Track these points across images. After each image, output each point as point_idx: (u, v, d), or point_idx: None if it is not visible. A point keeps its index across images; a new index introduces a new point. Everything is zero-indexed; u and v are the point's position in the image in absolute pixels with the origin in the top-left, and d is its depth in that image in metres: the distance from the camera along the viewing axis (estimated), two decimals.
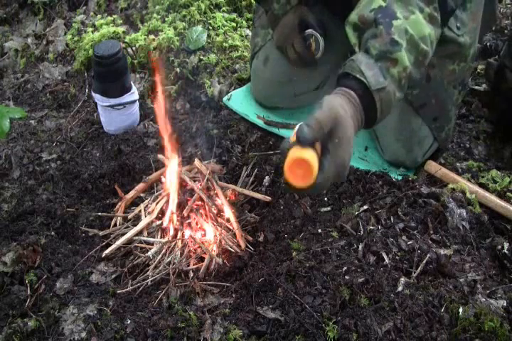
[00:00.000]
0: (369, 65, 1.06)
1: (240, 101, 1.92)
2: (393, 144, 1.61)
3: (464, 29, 1.45)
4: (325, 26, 1.60)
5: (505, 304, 1.12)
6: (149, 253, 1.44)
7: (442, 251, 1.23)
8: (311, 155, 0.91)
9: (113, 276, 1.42)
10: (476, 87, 1.97)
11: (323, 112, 0.94)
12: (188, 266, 1.41)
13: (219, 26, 2.18)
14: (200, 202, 1.54)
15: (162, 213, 1.54)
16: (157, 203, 1.57)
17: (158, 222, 1.51)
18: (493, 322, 1.06)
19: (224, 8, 2.26)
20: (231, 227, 1.50)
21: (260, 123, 1.83)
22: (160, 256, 1.43)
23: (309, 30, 1.56)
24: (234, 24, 2.21)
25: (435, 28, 1.15)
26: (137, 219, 1.57)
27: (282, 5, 1.57)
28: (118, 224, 1.58)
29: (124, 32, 2.23)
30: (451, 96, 1.55)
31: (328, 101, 0.98)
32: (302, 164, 0.91)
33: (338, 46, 1.61)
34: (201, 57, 2.08)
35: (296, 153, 0.92)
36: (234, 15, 2.25)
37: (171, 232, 1.48)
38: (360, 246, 1.25)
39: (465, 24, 1.45)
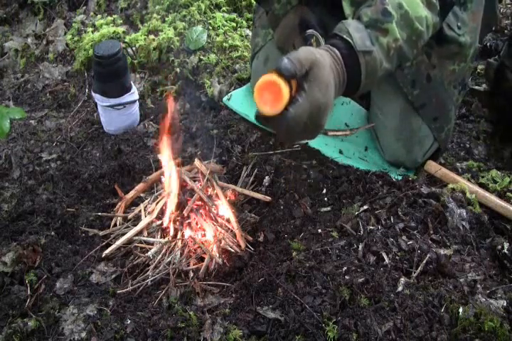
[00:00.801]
0: (358, 29, 1.06)
1: (240, 101, 1.91)
2: (393, 144, 1.61)
3: (464, 29, 1.45)
4: (326, 26, 1.60)
5: (505, 304, 1.12)
6: (149, 253, 1.44)
7: (442, 251, 1.23)
8: (283, 83, 0.93)
9: (113, 276, 1.42)
10: (476, 87, 1.97)
11: (301, 53, 0.95)
12: (188, 266, 1.41)
13: (219, 26, 2.18)
14: (200, 202, 1.54)
15: (162, 213, 1.54)
16: (157, 203, 1.57)
17: (158, 222, 1.51)
18: (493, 322, 1.06)
19: (224, 8, 2.26)
20: (231, 227, 1.50)
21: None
22: (160, 256, 1.43)
23: (310, 31, 1.55)
24: (234, 24, 2.21)
25: (433, 14, 1.16)
26: (137, 219, 1.57)
27: (283, 5, 1.57)
28: (118, 224, 1.58)
29: (124, 32, 2.23)
30: (451, 96, 1.55)
31: (304, 48, 0.98)
32: (273, 88, 0.93)
33: None
34: (201, 57, 2.08)
35: (269, 75, 0.93)
36: (234, 15, 2.25)
37: (171, 232, 1.48)
38: (360, 246, 1.25)
39: (466, 24, 1.45)
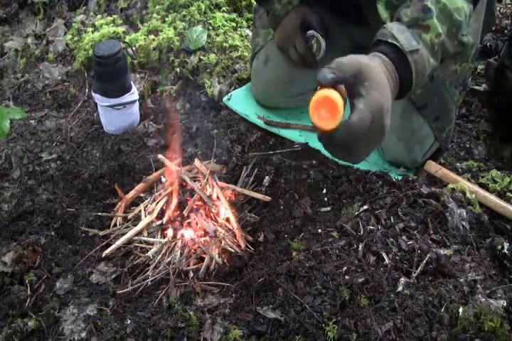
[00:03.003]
0: (400, 30, 1.07)
1: (240, 102, 1.91)
2: (394, 144, 1.61)
3: (467, 29, 1.45)
4: (326, 27, 1.60)
5: (505, 304, 1.12)
6: (149, 253, 1.44)
7: (442, 251, 1.23)
8: (334, 94, 0.91)
9: (113, 276, 1.42)
10: (476, 87, 1.97)
11: (345, 58, 0.95)
12: (188, 266, 1.41)
13: (219, 26, 2.18)
14: (200, 202, 1.54)
15: (162, 213, 1.54)
16: (157, 203, 1.57)
17: (158, 222, 1.51)
18: (493, 322, 1.06)
19: (224, 8, 2.26)
20: (231, 227, 1.50)
21: (260, 123, 1.83)
22: (160, 256, 1.43)
23: (311, 31, 1.56)
24: (234, 24, 2.21)
25: (468, 3, 1.17)
26: (137, 219, 1.57)
27: (284, 5, 1.57)
28: (118, 224, 1.58)
29: (124, 32, 2.23)
30: (452, 96, 1.55)
31: (350, 55, 0.98)
32: (326, 103, 0.91)
33: (340, 47, 1.61)
34: (201, 57, 2.08)
35: (319, 92, 0.92)
36: (234, 16, 2.25)
37: (171, 232, 1.48)
38: (360, 246, 1.25)
39: (468, 24, 1.45)
